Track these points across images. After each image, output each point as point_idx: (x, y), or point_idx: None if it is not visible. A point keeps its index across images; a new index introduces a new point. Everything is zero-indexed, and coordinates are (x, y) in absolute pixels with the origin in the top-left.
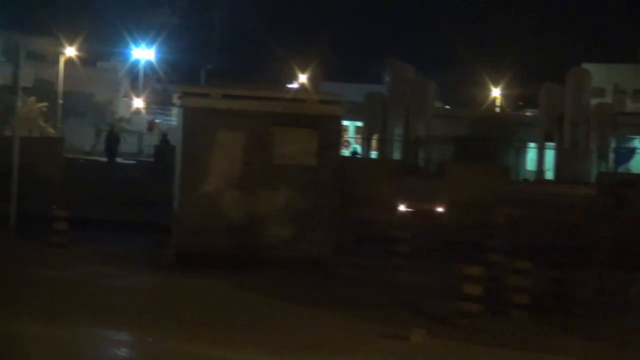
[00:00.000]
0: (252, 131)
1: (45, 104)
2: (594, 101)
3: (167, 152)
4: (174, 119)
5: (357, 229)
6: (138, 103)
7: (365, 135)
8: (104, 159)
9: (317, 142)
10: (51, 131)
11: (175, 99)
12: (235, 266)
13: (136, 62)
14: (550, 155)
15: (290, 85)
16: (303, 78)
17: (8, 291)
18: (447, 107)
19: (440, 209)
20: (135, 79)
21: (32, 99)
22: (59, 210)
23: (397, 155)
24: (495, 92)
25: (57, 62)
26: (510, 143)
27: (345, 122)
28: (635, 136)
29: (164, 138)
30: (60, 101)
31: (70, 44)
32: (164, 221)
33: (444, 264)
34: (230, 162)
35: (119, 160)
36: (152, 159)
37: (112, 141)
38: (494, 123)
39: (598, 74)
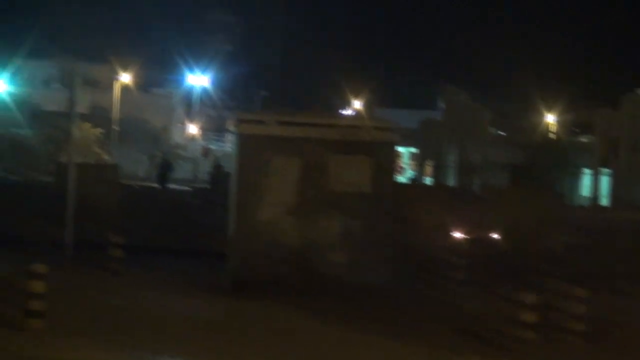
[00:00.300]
0: (308, 158)
1: (101, 130)
2: None
3: (221, 179)
4: (228, 145)
5: (412, 255)
6: (193, 129)
7: (419, 162)
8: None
9: (372, 168)
10: (106, 157)
11: (230, 126)
12: (292, 292)
13: (191, 89)
14: (605, 181)
15: (344, 112)
16: (357, 104)
17: (68, 318)
18: (501, 133)
19: (495, 236)
20: (190, 105)
21: (88, 125)
22: (115, 236)
23: (451, 181)
24: (550, 118)
25: (112, 88)
26: (565, 169)
27: (399, 149)
28: None
29: (217, 164)
30: (115, 127)
31: (126, 71)
32: (219, 247)
33: (500, 291)
34: (286, 188)
35: (171, 186)
36: (207, 186)
37: (165, 168)
38: (549, 149)
39: None
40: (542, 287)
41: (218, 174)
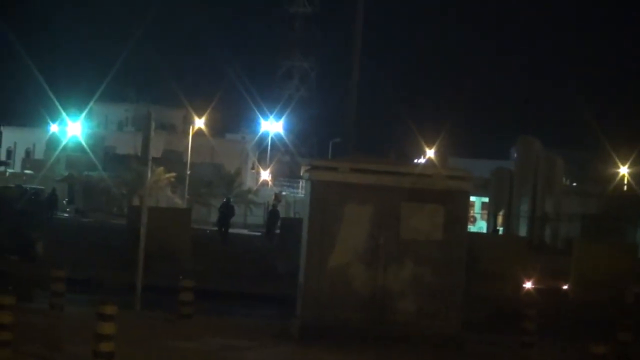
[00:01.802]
0: (380, 205)
1: (174, 174)
2: None
3: (274, 223)
4: (300, 191)
5: (484, 305)
6: (265, 175)
7: (491, 211)
8: (231, 230)
9: (445, 217)
10: (178, 201)
11: (303, 172)
12: (362, 341)
13: (264, 134)
14: None
15: (418, 160)
16: (431, 153)
17: None
18: (574, 184)
19: (565, 287)
20: (264, 150)
21: (161, 169)
22: (185, 280)
23: (523, 231)
24: (623, 170)
25: (186, 132)
26: (638, 221)
27: (471, 198)
28: None
29: (272, 209)
30: (188, 172)
31: (200, 116)
32: (289, 293)
33: (573, 342)
34: (358, 235)
35: (232, 231)
36: (276, 230)
37: (226, 212)
38: (622, 201)
39: None
40: (615, 338)
41: (272, 219)
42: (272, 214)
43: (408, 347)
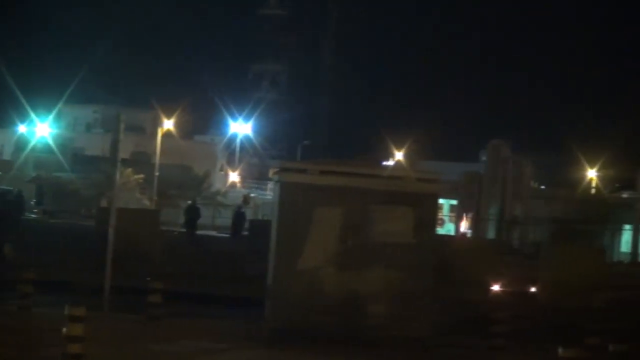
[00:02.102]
0: (350, 208)
1: (142, 175)
2: None
3: (240, 225)
4: (269, 193)
5: (453, 308)
6: (234, 177)
7: (459, 214)
8: (199, 232)
9: (415, 220)
10: (147, 203)
11: (273, 174)
12: (332, 344)
13: (233, 136)
14: None
15: (387, 162)
16: (400, 155)
17: None
18: (543, 187)
19: (534, 290)
20: (232, 152)
21: (130, 170)
22: (154, 282)
23: (491, 234)
24: (592, 174)
25: (155, 134)
26: (606, 225)
27: (440, 200)
28: None
29: (238, 211)
30: (157, 173)
31: (169, 118)
32: (257, 295)
33: (541, 346)
34: (328, 238)
35: (199, 232)
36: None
37: (192, 214)
38: (591, 205)
39: None
40: (584, 343)
41: (238, 220)
42: (238, 216)
43: (378, 351)
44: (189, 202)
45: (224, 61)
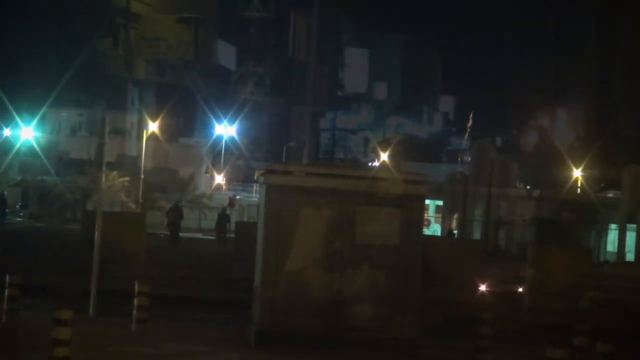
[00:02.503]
0: (336, 209)
1: (127, 178)
2: None
3: (223, 227)
4: (254, 195)
5: (439, 309)
6: (219, 179)
7: (445, 215)
8: (184, 234)
9: (401, 221)
10: (132, 206)
11: (258, 176)
12: (318, 346)
13: (218, 138)
14: (631, 237)
15: (372, 164)
16: (385, 156)
17: None
18: (528, 187)
19: (520, 290)
20: (217, 154)
21: (115, 173)
22: (141, 285)
23: (477, 235)
24: (577, 174)
25: (140, 137)
26: (592, 225)
27: (426, 201)
28: None
29: (222, 213)
30: (142, 176)
31: (153, 120)
32: (244, 298)
33: (528, 346)
34: (314, 240)
35: (183, 235)
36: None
37: (175, 216)
38: (576, 205)
39: None
40: (571, 343)
41: (221, 222)
42: (221, 218)
43: (365, 352)
44: (172, 204)
45: (208, 64)
